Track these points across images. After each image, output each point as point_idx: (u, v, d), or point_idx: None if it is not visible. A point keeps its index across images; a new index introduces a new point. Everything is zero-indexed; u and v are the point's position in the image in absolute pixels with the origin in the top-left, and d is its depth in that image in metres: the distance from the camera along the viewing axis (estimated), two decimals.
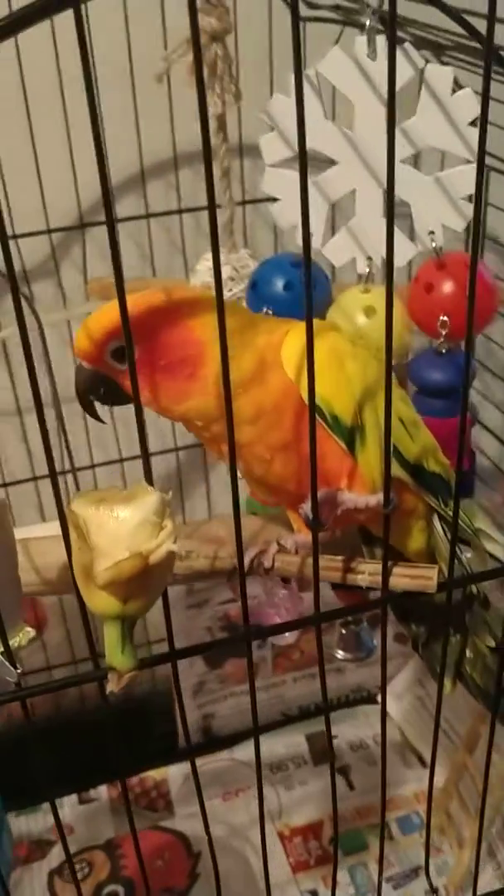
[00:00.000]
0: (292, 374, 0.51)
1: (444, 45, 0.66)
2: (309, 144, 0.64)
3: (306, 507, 0.45)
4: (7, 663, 0.43)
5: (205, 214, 1.07)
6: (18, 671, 0.43)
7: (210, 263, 0.80)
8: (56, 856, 1.23)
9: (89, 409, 0.55)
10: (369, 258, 0.65)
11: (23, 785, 1.03)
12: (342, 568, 0.49)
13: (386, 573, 0.46)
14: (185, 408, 0.52)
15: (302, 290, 0.66)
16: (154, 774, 1.31)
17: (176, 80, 0.80)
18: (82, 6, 0.32)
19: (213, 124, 0.77)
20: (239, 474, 0.55)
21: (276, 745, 1.34)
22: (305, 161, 0.35)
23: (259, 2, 0.86)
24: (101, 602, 0.39)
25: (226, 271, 0.79)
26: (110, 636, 0.40)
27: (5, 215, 1.04)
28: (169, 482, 1.25)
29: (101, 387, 0.53)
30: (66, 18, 0.33)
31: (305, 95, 0.61)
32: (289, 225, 0.67)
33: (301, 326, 0.54)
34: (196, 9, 0.32)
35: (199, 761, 1.31)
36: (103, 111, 0.96)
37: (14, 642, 0.46)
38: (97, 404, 0.55)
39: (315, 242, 0.66)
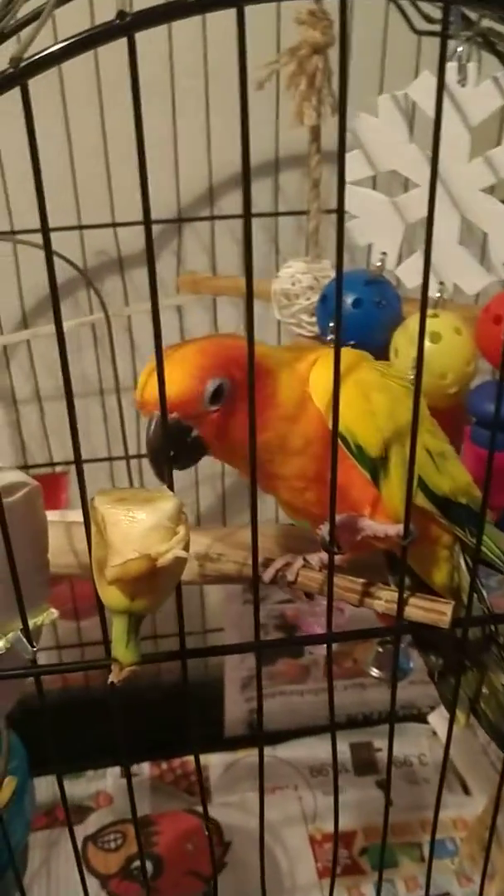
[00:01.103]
0: (319, 404, 0.52)
1: None
2: (391, 165, 0.65)
3: (324, 529, 0.46)
4: (25, 640, 0.45)
5: (303, 218, 1.09)
6: (34, 649, 0.46)
7: (292, 270, 0.81)
8: (93, 822, 1.27)
9: (165, 468, 0.46)
10: (441, 283, 0.65)
11: (69, 750, 1.08)
12: (360, 591, 0.50)
13: (401, 602, 0.47)
14: (262, 440, 0.50)
15: (371, 308, 0.67)
16: None
17: (282, 87, 0.81)
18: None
19: (307, 135, 0.78)
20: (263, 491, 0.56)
21: (319, 749, 1.35)
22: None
23: (375, 15, 0.86)
24: (110, 596, 0.41)
25: (306, 280, 0.79)
26: (117, 629, 0.42)
27: (108, 204, 1.07)
28: (212, 484, 1.26)
29: (180, 439, 0.49)
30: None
31: (392, 117, 0.61)
32: (365, 243, 0.67)
33: (329, 355, 0.54)
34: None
35: (240, 754, 1.34)
36: (210, 110, 0.99)
37: (37, 621, 0.49)
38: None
39: (389, 263, 0.66)
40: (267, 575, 0.54)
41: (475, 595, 0.54)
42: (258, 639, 0.46)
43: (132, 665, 0.42)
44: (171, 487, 0.43)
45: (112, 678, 0.42)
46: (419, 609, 0.47)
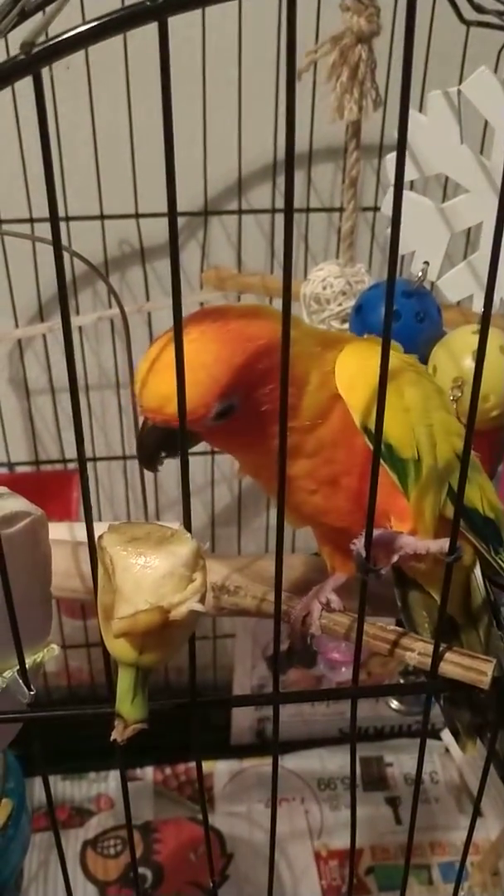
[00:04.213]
0: (346, 397, 0.47)
1: None
2: (440, 169, 0.60)
3: (359, 544, 0.40)
4: (21, 682, 0.41)
5: (335, 215, 1.04)
6: (32, 693, 0.42)
7: (324, 273, 0.77)
8: (94, 827, 1.24)
9: (153, 466, 0.47)
10: None
11: (71, 751, 1.05)
12: (391, 640, 0.45)
13: (437, 658, 0.42)
14: (272, 447, 0.47)
15: (411, 322, 0.62)
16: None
17: (322, 77, 0.76)
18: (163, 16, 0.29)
19: (346, 130, 0.73)
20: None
21: (329, 761, 1.31)
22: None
23: (421, 3, 0.81)
24: (117, 647, 0.37)
25: (339, 284, 0.75)
26: (123, 682, 0.38)
27: (132, 195, 1.02)
28: (229, 484, 1.23)
29: (174, 443, 0.45)
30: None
31: (443, 116, 0.56)
32: (405, 250, 0.62)
33: (357, 343, 0.50)
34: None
35: (247, 763, 1.31)
36: (243, 98, 0.94)
37: (37, 658, 0.45)
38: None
39: (431, 273, 0.61)
40: (293, 622, 0.50)
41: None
42: (277, 691, 0.42)
43: (138, 723, 0.38)
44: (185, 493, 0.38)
45: (115, 736, 0.38)
46: (456, 666, 0.43)
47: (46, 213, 0.31)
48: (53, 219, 0.31)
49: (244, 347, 0.44)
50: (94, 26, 0.26)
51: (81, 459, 0.37)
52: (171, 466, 1.27)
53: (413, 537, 0.47)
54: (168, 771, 1.31)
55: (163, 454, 0.46)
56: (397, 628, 0.46)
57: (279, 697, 0.42)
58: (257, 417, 0.45)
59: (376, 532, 0.44)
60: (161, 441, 0.45)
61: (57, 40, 0.26)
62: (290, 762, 1.30)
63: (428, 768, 1.30)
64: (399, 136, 0.32)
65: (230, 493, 1.23)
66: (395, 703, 0.72)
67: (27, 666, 0.42)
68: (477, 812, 0.53)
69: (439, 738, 1.31)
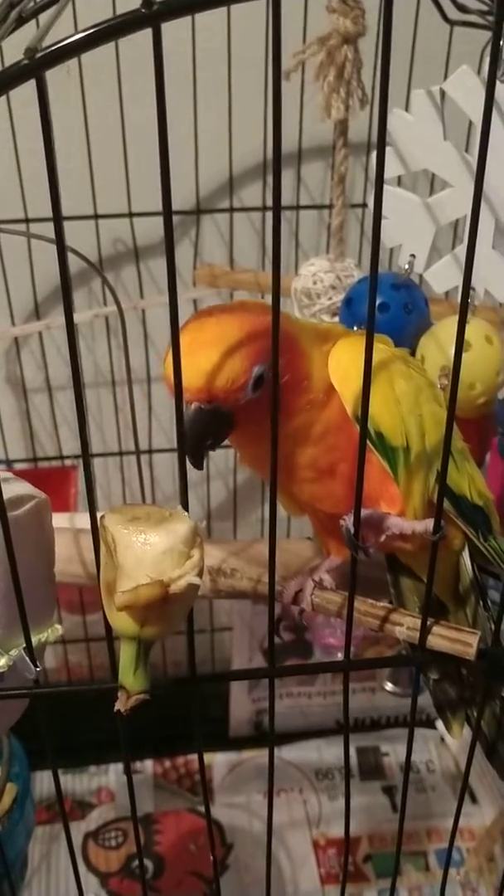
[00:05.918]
0: (339, 387, 0.49)
1: None
2: (424, 165, 0.62)
3: (349, 520, 0.42)
4: (28, 659, 0.43)
5: (324, 212, 1.06)
6: (38, 669, 0.43)
7: (314, 268, 0.78)
8: (95, 819, 1.26)
9: (200, 458, 0.46)
10: (473, 289, 0.62)
11: (72, 744, 1.06)
12: (381, 616, 0.47)
13: (425, 632, 0.44)
14: (292, 427, 0.49)
15: (399, 313, 0.64)
16: None
17: (309, 77, 0.78)
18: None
19: (331, 127, 0.75)
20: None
21: (326, 752, 1.33)
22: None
23: (404, 3, 0.83)
24: (119, 621, 0.39)
25: (329, 279, 0.77)
26: (125, 655, 0.40)
27: (125, 194, 1.04)
28: (224, 479, 1.24)
29: (219, 427, 0.46)
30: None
31: (427, 114, 0.58)
32: (393, 244, 0.64)
33: (350, 337, 0.52)
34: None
35: (246, 754, 1.32)
36: (233, 98, 0.96)
37: (41, 638, 0.47)
38: None
39: (417, 265, 0.63)
40: (285, 597, 0.52)
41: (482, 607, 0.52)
42: (272, 666, 0.44)
43: (140, 694, 0.40)
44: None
45: (118, 706, 0.40)
46: (443, 639, 0.44)
47: (41, 214, 0.33)
48: (57, 218, 0.33)
49: (257, 321, 0.46)
50: (94, 32, 0.28)
51: (84, 441, 0.39)
52: (166, 461, 1.28)
53: (400, 518, 0.49)
54: (167, 764, 1.33)
55: (209, 441, 0.46)
56: (387, 605, 0.48)
57: (274, 671, 0.44)
58: (288, 392, 0.47)
59: (365, 512, 0.46)
60: (208, 425, 0.45)
61: (59, 46, 0.28)
62: (288, 753, 1.32)
63: (424, 757, 1.32)
64: (378, 136, 0.34)
65: (226, 488, 1.25)
66: (389, 686, 0.74)
67: (33, 645, 0.44)
68: (465, 789, 0.55)
69: (434, 728, 1.33)
